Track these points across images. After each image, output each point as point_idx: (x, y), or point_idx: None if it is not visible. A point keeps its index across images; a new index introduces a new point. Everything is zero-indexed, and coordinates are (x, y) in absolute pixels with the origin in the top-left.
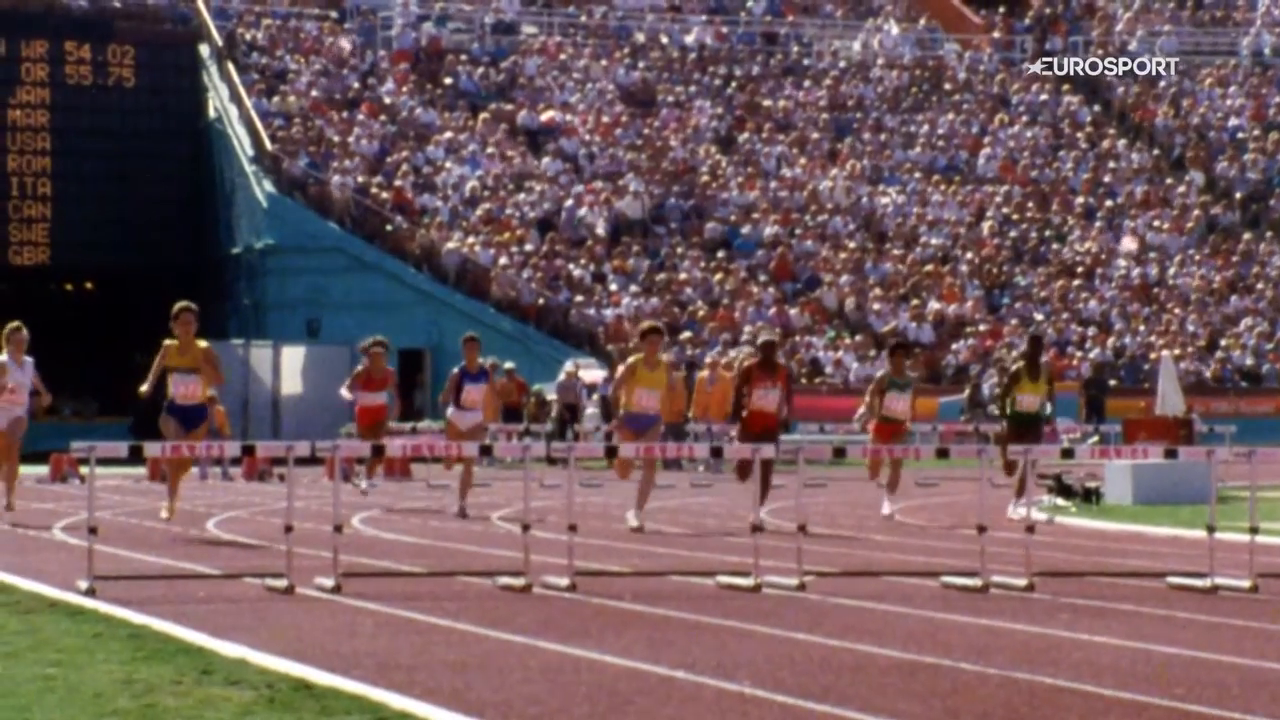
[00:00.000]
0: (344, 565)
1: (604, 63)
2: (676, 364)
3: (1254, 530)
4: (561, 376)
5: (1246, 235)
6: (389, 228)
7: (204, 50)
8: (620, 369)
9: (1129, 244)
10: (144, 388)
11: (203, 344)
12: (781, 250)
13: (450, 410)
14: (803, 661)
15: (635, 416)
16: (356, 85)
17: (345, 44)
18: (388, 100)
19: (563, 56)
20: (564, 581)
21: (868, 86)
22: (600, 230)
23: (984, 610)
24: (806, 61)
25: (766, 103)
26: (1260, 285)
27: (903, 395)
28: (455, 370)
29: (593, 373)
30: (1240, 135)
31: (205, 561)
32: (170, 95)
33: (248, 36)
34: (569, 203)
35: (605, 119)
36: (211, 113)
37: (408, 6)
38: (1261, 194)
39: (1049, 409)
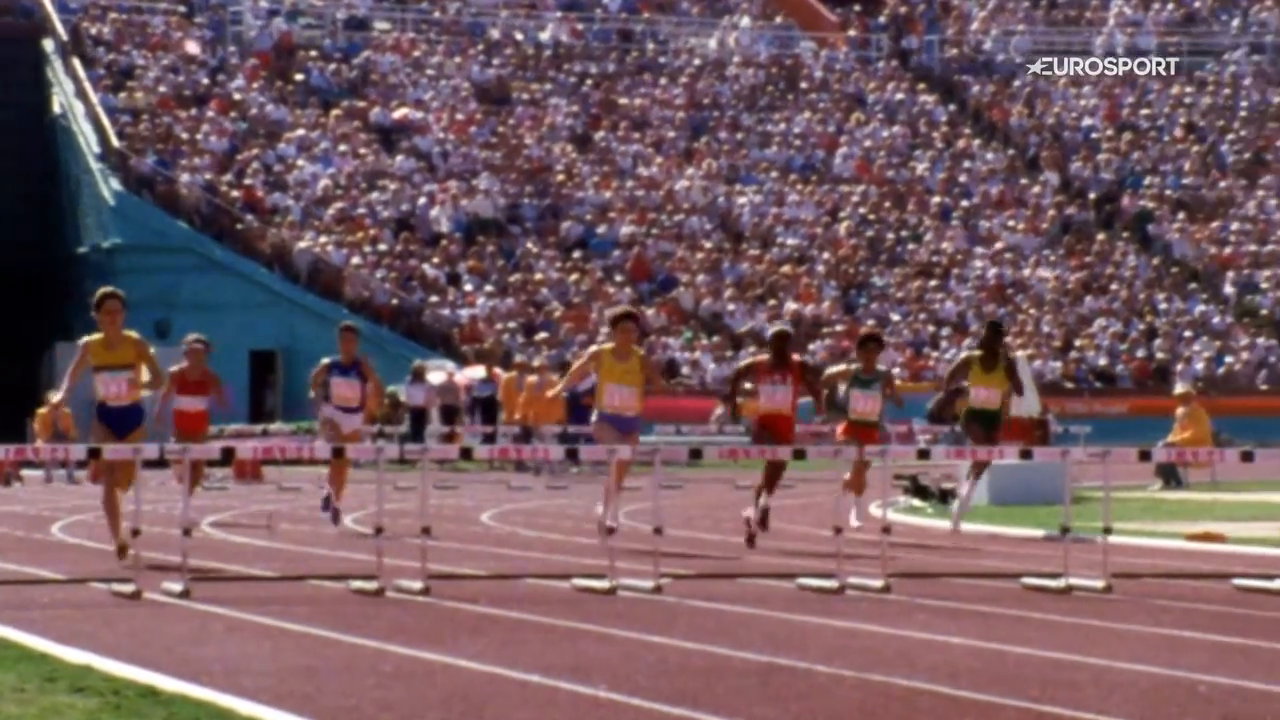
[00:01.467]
0: (193, 569)
1: (458, 60)
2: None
3: (1107, 530)
4: (443, 378)
5: (1100, 235)
6: (239, 227)
7: (48, 45)
8: (579, 359)
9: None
10: (57, 397)
11: (133, 335)
12: (638, 250)
13: (326, 409)
14: (658, 664)
15: (615, 418)
16: (206, 81)
17: (194, 39)
18: (238, 97)
19: (416, 53)
20: (418, 585)
21: (724, 85)
22: (448, 229)
23: (840, 612)
24: (663, 59)
25: (622, 101)
26: (1114, 286)
27: (868, 393)
28: (325, 361)
29: (467, 374)
30: (1094, 135)
31: (49, 566)
32: (14, 90)
33: (93, 31)
34: (422, 202)
35: (459, 116)
36: (56, 108)
37: (258, 1)
38: (1115, 194)
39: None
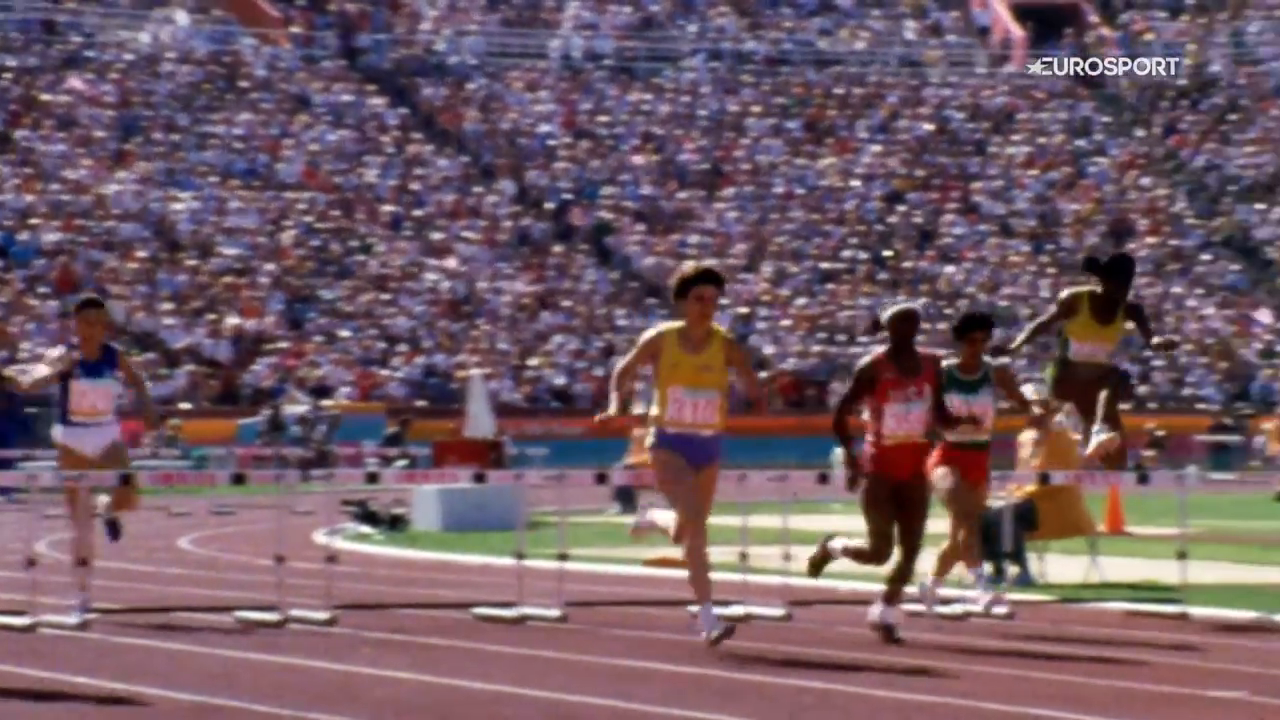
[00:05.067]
0: None
1: None
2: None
3: (563, 557)
4: None
5: (558, 248)
6: None
7: None
8: (631, 354)
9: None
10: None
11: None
12: (64, 259)
13: (59, 431)
14: (74, 712)
15: (685, 438)
16: None
17: None
18: None
19: None
20: None
21: (158, 82)
22: None
23: (282, 646)
24: (90, 53)
25: (45, 97)
26: (571, 301)
27: (974, 399)
28: (64, 352)
29: None
30: (551, 143)
31: None
32: None
33: None
34: None
35: None
36: None
37: None
38: (573, 205)
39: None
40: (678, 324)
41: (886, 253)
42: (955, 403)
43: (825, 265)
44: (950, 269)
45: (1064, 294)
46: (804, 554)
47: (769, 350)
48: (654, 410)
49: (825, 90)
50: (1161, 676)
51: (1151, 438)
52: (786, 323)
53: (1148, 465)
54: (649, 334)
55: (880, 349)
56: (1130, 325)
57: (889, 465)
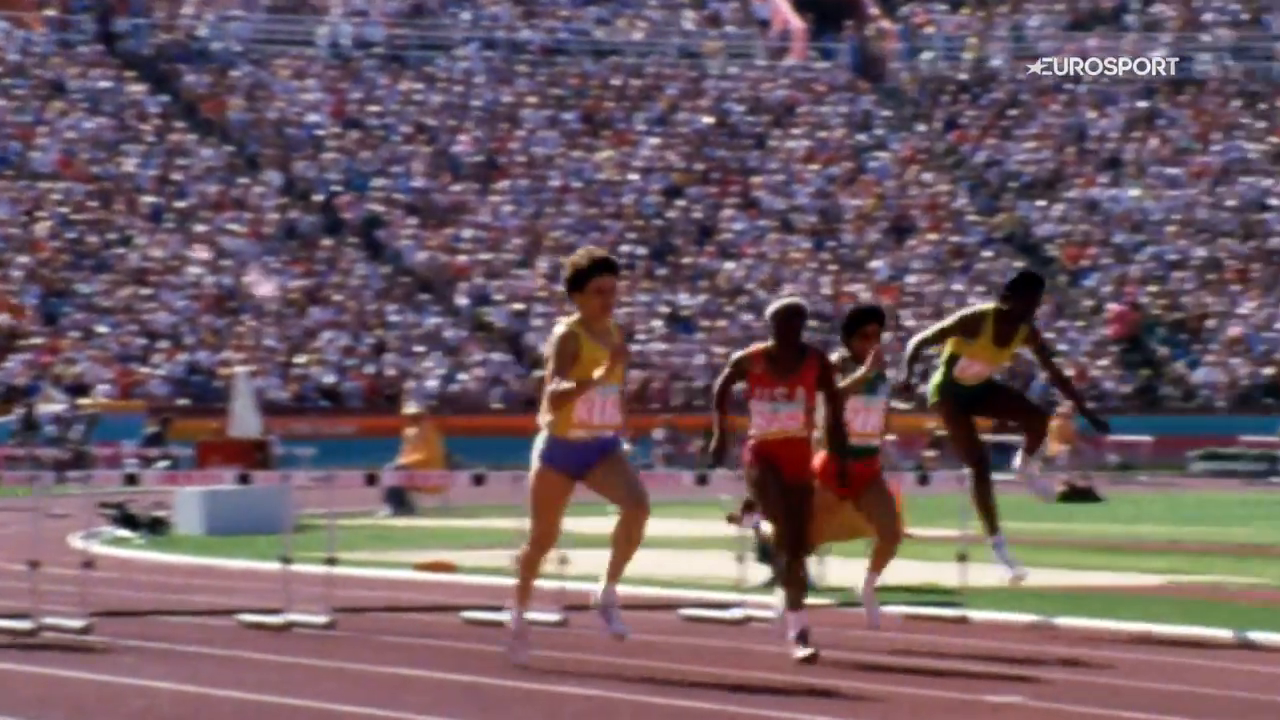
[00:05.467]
0: None
1: None
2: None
3: (332, 561)
4: None
5: (327, 241)
6: None
7: None
8: (556, 365)
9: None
10: None
11: None
12: None
13: None
14: None
15: (584, 445)
16: None
17: None
18: None
19: None
20: None
21: None
22: None
23: (37, 658)
24: None
25: None
26: (341, 296)
27: (872, 401)
28: None
29: None
30: (319, 133)
31: None
32: None
33: None
34: None
35: None
36: None
37: None
38: (342, 197)
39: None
40: (574, 319)
41: (665, 249)
42: (856, 405)
43: None
44: (730, 265)
45: (966, 311)
46: (582, 558)
47: (545, 349)
48: (545, 416)
49: (602, 81)
50: (941, 682)
51: (932, 438)
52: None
53: (928, 466)
54: (563, 337)
55: (761, 345)
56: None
57: (772, 459)
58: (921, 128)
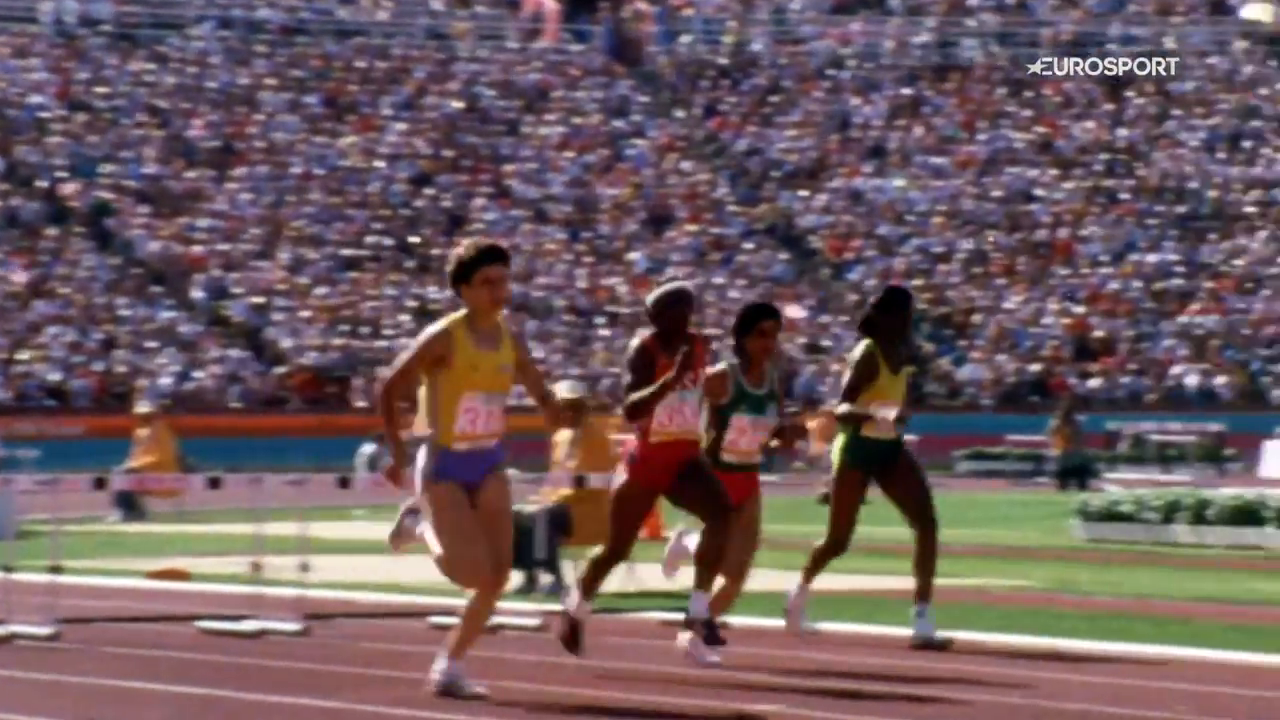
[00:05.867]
0: None
1: None
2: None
3: (56, 569)
4: None
5: (51, 230)
6: None
7: None
8: (409, 359)
9: None
10: None
11: None
12: None
13: None
14: None
15: (472, 456)
16: None
17: None
18: None
19: None
20: None
21: None
22: None
23: None
24: None
25: None
26: (67, 289)
27: (758, 418)
28: None
29: None
30: (44, 115)
31: None
32: None
33: None
34: None
35: None
36: None
37: None
38: (68, 183)
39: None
40: (459, 315)
41: (413, 239)
42: (743, 423)
43: (347, 252)
44: None
45: (855, 354)
46: (324, 564)
47: (287, 344)
48: (424, 426)
49: (346, 63)
50: (696, 690)
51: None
52: (305, 314)
53: None
54: (433, 331)
55: (646, 333)
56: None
57: (653, 470)
58: (680, 114)
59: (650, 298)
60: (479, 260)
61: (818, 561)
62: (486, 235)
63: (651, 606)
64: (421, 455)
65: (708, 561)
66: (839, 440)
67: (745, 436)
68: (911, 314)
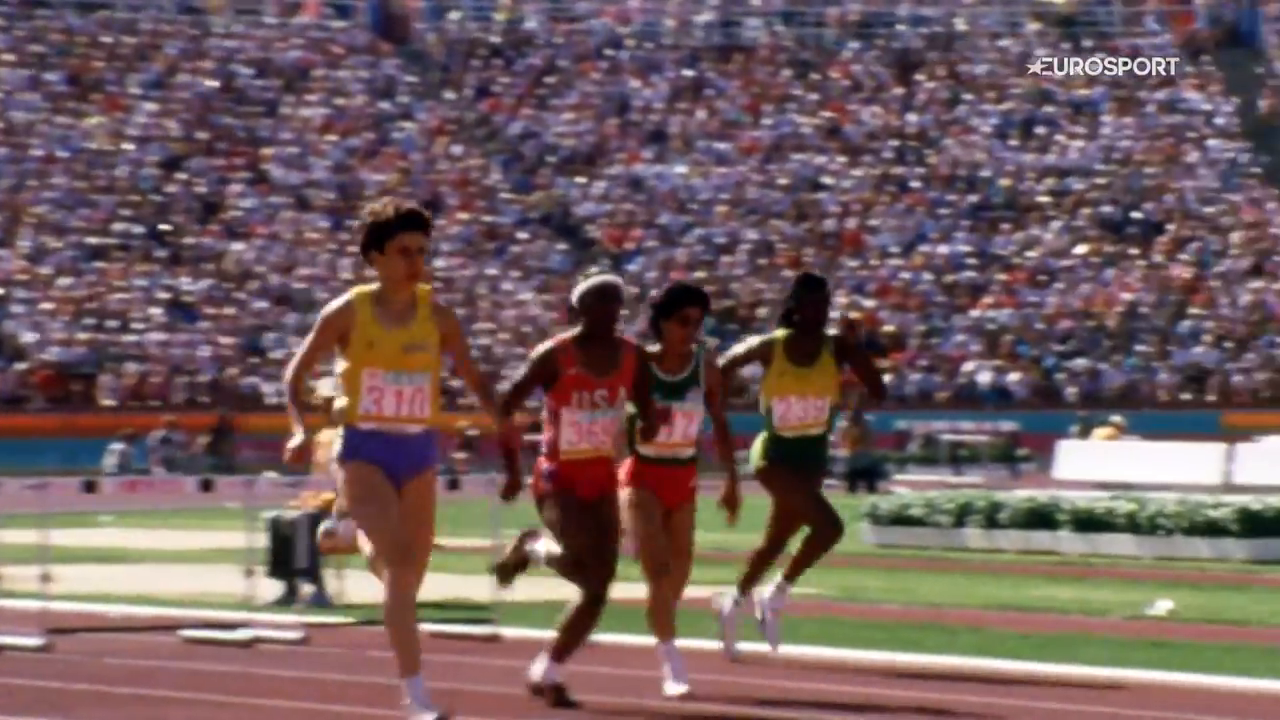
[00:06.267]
0: None
1: None
2: None
3: None
4: None
5: None
6: None
7: None
8: (310, 341)
9: None
10: None
11: None
12: None
13: None
14: None
15: (385, 439)
16: None
17: None
18: None
19: None
20: None
21: None
22: None
23: None
24: None
25: None
26: None
27: (683, 405)
28: None
29: None
30: None
31: None
32: None
33: None
34: None
35: None
36: None
37: None
38: None
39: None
40: (368, 287)
41: (164, 226)
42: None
43: (93, 240)
44: (239, 246)
45: (753, 340)
46: (66, 573)
47: (28, 338)
48: (338, 403)
49: (91, 38)
50: (472, 707)
51: (464, 438)
52: (47, 306)
53: (458, 469)
54: (334, 304)
55: (569, 334)
56: (845, 367)
57: (568, 483)
58: (450, 95)
59: (575, 292)
60: (395, 225)
61: (757, 567)
62: (243, 224)
63: (421, 618)
64: (337, 435)
65: (576, 630)
66: (757, 441)
67: (677, 424)
68: (826, 299)
